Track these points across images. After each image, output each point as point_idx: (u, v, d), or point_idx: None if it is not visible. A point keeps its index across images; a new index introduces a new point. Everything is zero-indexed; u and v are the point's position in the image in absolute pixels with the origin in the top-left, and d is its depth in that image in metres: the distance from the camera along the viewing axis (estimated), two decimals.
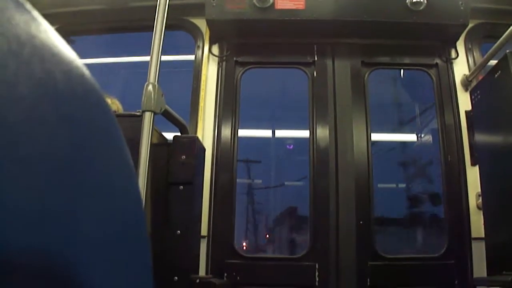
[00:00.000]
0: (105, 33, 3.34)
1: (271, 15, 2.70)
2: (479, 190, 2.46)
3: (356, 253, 2.52)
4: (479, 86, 2.44)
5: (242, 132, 2.95)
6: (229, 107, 2.83)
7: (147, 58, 1.84)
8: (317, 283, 2.50)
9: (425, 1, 2.64)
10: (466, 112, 2.70)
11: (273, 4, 2.69)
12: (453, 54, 2.86)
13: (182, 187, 1.99)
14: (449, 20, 2.69)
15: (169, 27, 1.89)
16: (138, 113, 1.81)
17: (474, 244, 2.49)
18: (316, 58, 2.90)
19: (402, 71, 3.47)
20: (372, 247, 2.56)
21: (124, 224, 0.39)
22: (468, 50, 2.86)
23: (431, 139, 3.73)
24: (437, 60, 2.87)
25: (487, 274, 2.22)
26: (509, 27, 2.22)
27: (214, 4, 2.71)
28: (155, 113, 1.76)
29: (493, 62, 2.34)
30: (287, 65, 3.08)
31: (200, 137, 2.43)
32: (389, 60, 2.96)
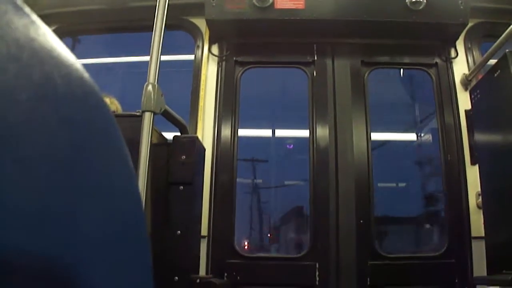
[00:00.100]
0: (105, 33, 3.34)
1: (271, 15, 2.70)
2: (479, 189, 2.46)
3: (356, 253, 2.53)
4: (479, 85, 2.44)
5: (242, 132, 2.95)
6: (229, 107, 2.83)
7: (146, 58, 1.84)
8: (317, 283, 2.50)
9: (425, 1, 2.64)
10: (466, 111, 2.70)
11: (272, 3, 2.69)
12: (453, 54, 2.86)
13: (182, 187, 1.99)
14: (449, 20, 2.69)
15: (168, 27, 1.89)
16: (138, 113, 1.81)
17: (474, 243, 2.49)
18: (316, 58, 2.90)
19: (401, 70, 3.47)
20: (372, 247, 2.57)
21: (124, 225, 0.39)
22: (467, 50, 2.86)
23: (430, 138, 3.73)
24: (437, 60, 2.87)
25: (487, 273, 2.22)
26: (508, 26, 2.22)
27: (214, 4, 2.71)
28: (155, 113, 1.76)
29: (492, 61, 2.34)
30: (287, 65, 3.08)
31: (200, 137, 2.43)
32: (388, 59, 2.96)
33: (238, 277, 2.52)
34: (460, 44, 2.87)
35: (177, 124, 2.15)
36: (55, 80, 0.32)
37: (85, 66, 0.36)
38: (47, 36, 0.32)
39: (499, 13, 2.82)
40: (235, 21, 2.74)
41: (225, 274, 2.51)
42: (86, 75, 0.35)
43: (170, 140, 2.11)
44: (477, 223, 2.49)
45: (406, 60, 2.98)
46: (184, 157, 2.02)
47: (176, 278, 1.86)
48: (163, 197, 1.96)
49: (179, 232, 1.92)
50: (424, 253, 3.36)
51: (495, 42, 2.38)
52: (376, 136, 3.25)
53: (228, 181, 2.70)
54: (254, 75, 3.09)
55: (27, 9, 0.31)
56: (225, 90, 2.85)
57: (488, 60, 2.50)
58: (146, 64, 1.83)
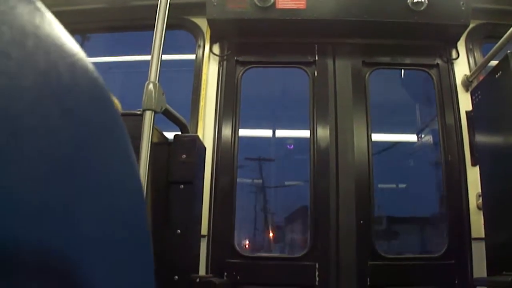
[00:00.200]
0: (106, 32, 3.34)
1: (272, 15, 2.70)
2: (480, 190, 2.46)
3: (356, 253, 2.52)
4: (480, 86, 2.43)
5: (242, 132, 2.95)
6: (230, 106, 2.83)
7: (148, 57, 1.84)
8: (317, 283, 2.50)
9: (426, 1, 2.63)
10: (467, 112, 2.70)
11: (274, 3, 2.69)
12: (454, 54, 2.86)
13: (182, 186, 1.99)
14: (450, 20, 2.69)
15: (170, 26, 1.89)
16: (138, 112, 1.81)
17: (474, 244, 2.49)
18: (317, 58, 2.90)
19: (402, 71, 3.47)
20: (372, 247, 2.56)
21: (126, 223, 0.39)
22: (469, 51, 2.85)
23: (431, 139, 3.73)
24: (438, 60, 2.87)
25: (487, 275, 2.22)
26: (510, 27, 2.22)
27: (215, 4, 2.71)
28: (155, 112, 1.75)
29: (494, 62, 2.34)
30: (287, 65, 3.08)
31: (200, 137, 2.42)
32: (390, 60, 2.96)
33: (238, 277, 2.52)
34: (461, 45, 2.86)
35: (177, 123, 2.15)
36: (59, 70, 0.31)
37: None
38: (52, 25, 0.32)
39: (501, 14, 2.82)
40: (236, 20, 2.74)
41: (225, 274, 2.51)
42: (91, 66, 0.35)
43: (170, 139, 2.11)
44: (477, 224, 2.49)
45: (407, 60, 2.98)
46: (185, 156, 2.02)
47: (176, 277, 1.86)
48: (163, 196, 1.96)
49: (179, 231, 1.92)
50: (424, 253, 3.36)
51: (496, 43, 2.38)
52: (376, 136, 3.24)
53: (228, 181, 2.70)
54: (255, 75, 3.09)
55: None
56: (226, 89, 2.85)
57: (490, 61, 2.49)
58: (147, 64, 1.83)
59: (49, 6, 0.31)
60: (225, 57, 2.91)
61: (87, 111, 0.34)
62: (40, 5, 0.31)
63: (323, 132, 2.75)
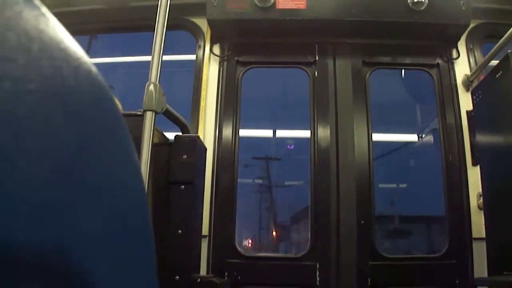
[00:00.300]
0: (106, 32, 3.34)
1: (272, 15, 2.70)
2: (480, 190, 2.46)
3: (357, 253, 2.52)
4: (480, 86, 2.43)
5: (243, 132, 2.95)
6: (230, 106, 2.83)
7: (148, 58, 1.84)
8: (317, 283, 2.50)
9: (427, 1, 2.63)
10: (467, 112, 2.70)
11: (274, 3, 2.69)
12: (455, 54, 2.86)
13: (183, 186, 1.99)
14: (451, 20, 2.69)
15: (170, 27, 1.89)
16: (139, 113, 1.81)
17: (475, 244, 2.49)
18: (317, 58, 2.90)
19: (403, 71, 3.47)
20: (372, 247, 2.56)
21: (129, 223, 0.39)
22: (469, 50, 2.85)
23: (431, 139, 3.73)
24: (438, 60, 2.87)
25: (488, 274, 2.22)
26: (510, 27, 2.22)
27: (215, 4, 2.71)
28: (156, 113, 1.76)
29: (494, 62, 2.34)
30: (288, 65, 3.08)
31: (201, 137, 2.43)
32: (390, 60, 2.96)
33: (239, 277, 2.52)
34: (461, 45, 2.86)
35: (178, 124, 2.15)
36: (63, 73, 0.32)
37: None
38: (56, 29, 0.32)
39: (501, 14, 2.82)
40: (237, 21, 2.74)
41: (226, 274, 2.51)
42: (94, 69, 0.35)
43: (171, 139, 2.11)
44: (478, 224, 2.49)
45: (408, 60, 2.98)
46: (185, 156, 2.02)
47: (177, 277, 1.86)
48: (164, 196, 1.96)
49: (180, 231, 1.92)
50: (424, 253, 3.36)
51: (497, 43, 2.38)
52: (377, 136, 3.25)
53: (229, 181, 2.70)
54: (255, 75, 3.09)
55: (37, 1, 0.31)
56: (226, 90, 2.85)
57: (490, 61, 2.49)
58: (147, 64, 1.83)
59: (50, 7, 0.32)
60: (225, 58, 2.91)
61: (90, 113, 0.34)
62: (45, 10, 0.31)
63: (324, 132, 2.75)
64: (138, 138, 1.68)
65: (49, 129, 0.30)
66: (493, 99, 2.27)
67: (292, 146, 6.65)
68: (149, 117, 1.73)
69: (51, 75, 0.30)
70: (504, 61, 2.13)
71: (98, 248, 0.34)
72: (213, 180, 2.66)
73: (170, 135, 2.16)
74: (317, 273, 2.51)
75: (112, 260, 0.36)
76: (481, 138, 2.45)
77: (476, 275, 2.42)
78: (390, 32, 2.80)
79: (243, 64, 2.93)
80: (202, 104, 2.77)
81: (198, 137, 2.24)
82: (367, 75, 2.88)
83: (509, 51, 2.09)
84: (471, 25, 2.76)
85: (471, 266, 2.47)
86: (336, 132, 2.74)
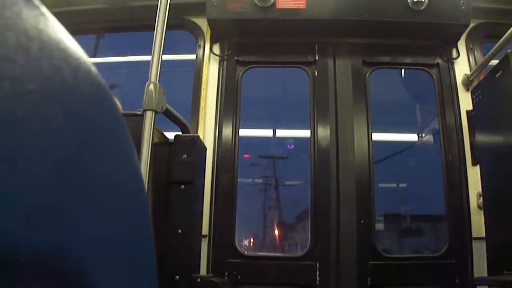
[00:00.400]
0: (106, 32, 3.34)
1: (272, 15, 2.70)
2: (480, 190, 2.46)
3: (357, 253, 2.52)
4: (480, 86, 2.43)
5: (243, 132, 2.95)
6: (230, 106, 2.83)
7: (148, 58, 1.84)
8: (317, 283, 2.50)
9: (426, 1, 2.63)
10: (467, 111, 2.70)
11: (274, 3, 2.69)
12: (454, 54, 2.86)
13: (183, 186, 1.99)
14: (450, 20, 2.69)
15: (170, 26, 1.89)
16: (139, 112, 1.81)
17: (475, 244, 2.49)
18: (317, 58, 2.90)
19: (403, 70, 3.47)
20: (372, 247, 2.56)
21: (129, 223, 0.39)
22: (469, 50, 2.85)
23: (431, 138, 3.73)
24: (438, 60, 2.87)
25: (488, 274, 2.22)
26: (510, 27, 2.22)
27: (215, 4, 2.71)
28: (156, 112, 1.76)
29: (494, 62, 2.34)
30: (288, 65, 3.08)
31: (201, 137, 2.43)
32: (390, 59, 2.96)
33: (239, 277, 2.52)
34: (461, 45, 2.86)
35: (178, 123, 2.15)
36: (63, 73, 0.32)
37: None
38: (56, 29, 0.32)
39: (501, 14, 2.82)
40: (237, 20, 2.74)
41: (226, 274, 2.51)
42: (94, 69, 0.35)
43: (171, 139, 2.11)
44: (478, 224, 2.49)
45: (408, 60, 2.98)
46: (185, 156, 2.02)
47: (177, 277, 1.86)
48: (164, 196, 1.96)
49: (180, 231, 1.92)
50: (424, 253, 3.36)
51: (496, 42, 2.38)
52: (377, 136, 3.25)
53: (229, 181, 2.70)
54: (255, 75, 3.09)
55: (37, 1, 0.31)
56: (226, 89, 2.85)
57: (490, 61, 2.49)
58: (147, 64, 1.83)
59: (50, 7, 0.32)
60: (225, 57, 2.91)
61: (89, 113, 0.34)
62: (45, 10, 0.31)
63: (324, 132, 2.75)
64: (138, 137, 1.68)
65: (48, 129, 0.29)
66: (493, 98, 2.27)
67: (292, 146, 6.65)
68: (149, 116, 1.73)
69: (51, 75, 0.30)
70: (504, 61, 2.13)
71: (98, 248, 0.34)
72: (213, 179, 2.66)
73: (170, 135, 2.16)
74: (317, 273, 2.51)
75: (112, 260, 0.36)
76: (481, 137, 2.45)
77: (476, 275, 2.42)
78: (390, 32, 2.80)
79: (243, 63, 2.93)
80: (202, 103, 2.77)
81: (198, 136, 2.24)
82: (367, 75, 2.88)
83: (509, 51, 2.08)
84: (471, 25, 2.76)
85: (471, 266, 2.47)
86: (336, 132, 2.74)
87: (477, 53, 2.85)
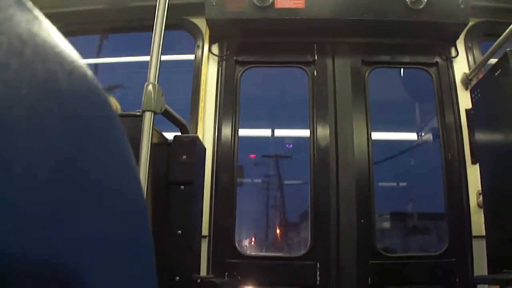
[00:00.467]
0: (105, 33, 3.34)
1: (271, 14, 2.70)
2: (480, 188, 2.46)
3: (357, 252, 2.52)
4: (479, 84, 2.43)
5: (242, 132, 2.95)
6: (229, 106, 2.83)
7: (147, 58, 1.84)
8: (318, 282, 2.50)
9: (425, 0, 2.63)
10: (467, 110, 2.70)
11: (273, 3, 2.69)
12: (453, 53, 2.86)
13: (182, 186, 1.99)
14: (449, 19, 2.69)
15: (169, 26, 1.88)
16: (138, 113, 1.81)
17: (475, 243, 2.49)
18: (316, 57, 2.90)
19: (402, 69, 3.47)
20: (373, 246, 2.56)
21: (127, 226, 0.39)
22: (468, 49, 2.85)
23: (431, 137, 3.73)
24: (437, 59, 2.87)
25: (488, 273, 2.22)
26: (509, 25, 2.22)
27: (214, 4, 2.71)
28: (155, 113, 1.75)
29: (493, 60, 2.34)
30: (287, 64, 3.08)
31: (200, 137, 2.43)
32: (389, 58, 2.96)
33: (239, 277, 2.52)
34: (460, 43, 2.86)
35: (177, 124, 2.15)
36: (58, 77, 0.31)
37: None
38: (50, 32, 0.32)
39: (500, 12, 2.82)
40: (235, 20, 2.74)
41: (226, 274, 2.51)
42: (89, 72, 0.35)
43: (170, 140, 2.11)
44: (478, 222, 2.49)
45: (407, 59, 2.97)
46: (185, 157, 2.02)
47: (177, 278, 1.86)
48: (164, 197, 1.96)
49: (179, 232, 1.92)
50: (424, 252, 3.36)
51: (495, 41, 2.38)
52: (376, 135, 3.25)
53: (228, 181, 2.70)
54: (254, 75, 3.09)
55: (29, 4, 0.31)
56: (225, 89, 2.85)
57: (489, 59, 2.49)
58: (146, 64, 1.83)
59: (47, 8, 0.32)
60: (224, 57, 2.91)
61: (85, 116, 0.34)
62: (38, 13, 0.31)
63: (323, 132, 2.75)
64: (137, 138, 1.67)
65: (44, 133, 0.29)
66: (492, 97, 2.27)
67: (291, 146, 6.65)
68: (148, 117, 1.73)
69: (45, 79, 0.30)
70: (503, 59, 2.13)
71: (97, 251, 0.34)
72: (212, 180, 2.66)
73: (169, 135, 2.16)
74: (317, 273, 2.51)
75: (110, 262, 0.36)
76: (480, 136, 2.45)
77: (476, 273, 2.43)
78: (389, 31, 2.80)
79: (242, 63, 2.93)
80: (201, 104, 2.77)
81: (197, 137, 2.24)
82: (366, 74, 2.88)
83: (508, 49, 2.08)
84: (470, 24, 2.76)
85: (471, 264, 2.47)
86: (335, 131, 2.74)
87: (476, 52, 2.85)
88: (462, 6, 2.65)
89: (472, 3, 2.68)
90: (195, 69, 2.88)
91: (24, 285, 0.28)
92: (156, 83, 1.77)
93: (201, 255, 2.34)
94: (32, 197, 0.28)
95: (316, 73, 2.87)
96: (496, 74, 2.18)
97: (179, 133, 2.18)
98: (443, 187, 2.69)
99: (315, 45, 2.91)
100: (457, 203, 2.60)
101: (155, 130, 1.87)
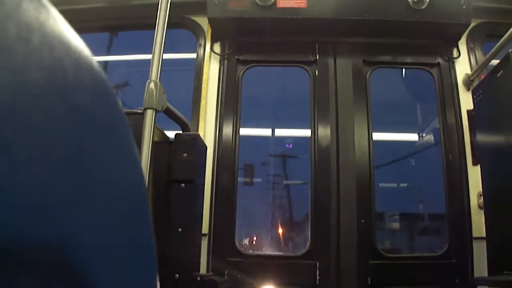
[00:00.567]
0: (107, 31, 3.35)
1: (273, 14, 2.70)
2: (481, 189, 2.46)
3: (357, 252, 2.52)
4: (481, 85, 2.43)
5: (243, 131, 2.95)
6: (231, 105, 2.83)
7: (149, 56, 1.84)
8: (317, 282, 2.50)
9: (427, 0, 2.63)
10: (468, 111, 2.70)
11: (275, 2, 2.68)
12: (455, 53, 2.86)
13: (183, 185, 1.99)
14: (451, 19, 2.69)
15: (171, 25, 1.88)
16: (139, 111, 1.81)
17: (475, 244, 2.49)
18: (317, 57, 2.90)
19: (403, 70, 3.46)
20: (373, 246, 2.56)
21: (129, 221, 0.39)
22: (470, 50, 2.85)
23: (432, 138, 3.72)
24: (439, 59, 2.86)
25: (488, 274, 2.22)
26: (511, 26, 2.21)
27: (216, 2, 2.71)
28: (156, 111, 1.76)
29: (495, 61, 2.33)
30: (288, 64, 3.08)
31: (201, 135, 2.43)
32: (390, 59, 2.95)
33: (239, 275, 2.52)
34: (462, 44, 2.86)
35: (178, 122, 2.15)
36: (64, 66, 0.31)
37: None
38: (57, 21, 0.32)
39: (502, 13, 2.81)
40: (237, 19, 2.74)
41: (226, 272, 2.51)
42: (95, 62, 0.35)
43: (171, 138, 2.11)
44: (478, 224, 2.49)
45: (408, 59, 2.97)
46: (186, 155, 2.02)
47: (177, 276, 1.86)
48: (164, 195, 1.96)
49: (180, 230, 1.92)
50: (424, 253, 3.36)
51: (497, 42, 2.38)
52: (377, 135, 3.25)
53: (229, 179, 2.70)
54: (256, 74, 3.08)
55: None
56: (227, 88, 2.85)
57: (491, 60, 2.49)
58: (148, 62, 1.83)
59: None
60: (226, 56, 2.91)
61: (91, 107, 0.34)
62: (46, 1, 0.31)
63: (324, 131, 2.75)
64: (139, 136, 1.67)
65: (49, 123, 0.29)
66: (494, 98, 2.27)
67: (291, 145, 6.65)
68: (149, 115, 1.73)
69: (52, 66, 0.30)
70: (504, 61, 2.12)
71: (98, 246, 0.34)
72: (213, 178, 2.66)
73: (171, 134, 2.16)
74: (317, 272, 2.51)
75: (112, 259, 0.36)
76: (481, 137, 2.45)
77: (476, 275, 2.42)
78: (391, 31, 2.80)
79: (244, 62, 2.93)
80: (202, 102, 2.77)
81: (199, 135, 2.24)
82: (368, 74, 2.87)
83: (510, 50, 2.08)
84: (472, 24, 2.76)
85: (471, 266, 2.47)
86: (336, 131, 2.74)
87: (478, 53, 2.84)
88: (464, 7, 2.65)
89: (474, 4, 2.68)
90: (196, 67, 2.88)
91: (28, 276, 0.28)
92: (158, 81, 1.77)
93: (201, 253, 2.34)
94: (36, 187, 0.28)
95: (318, 73, 2.87)
96: (498, 75, 2.17)
97: (180, 131, 2.18)
98: (443, 187, 2.69)
99: (316, 44, 2.91)
100: (457, 204, 2.60)
101: (157, 128, 1.87)
